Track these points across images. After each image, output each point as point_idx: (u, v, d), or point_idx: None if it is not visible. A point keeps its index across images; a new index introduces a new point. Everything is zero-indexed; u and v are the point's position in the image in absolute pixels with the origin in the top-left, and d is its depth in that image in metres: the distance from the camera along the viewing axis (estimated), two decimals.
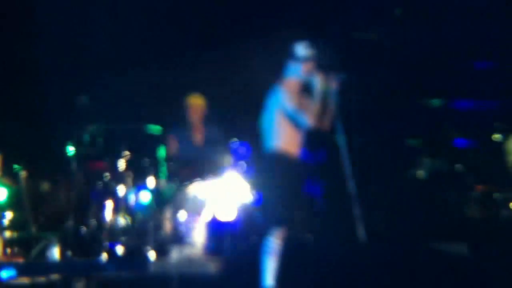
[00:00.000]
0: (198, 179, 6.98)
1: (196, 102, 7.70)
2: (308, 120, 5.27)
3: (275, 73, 5.64)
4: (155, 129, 7.43)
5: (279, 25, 8.52)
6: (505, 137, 7.32)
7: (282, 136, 5.34)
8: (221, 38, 8.85)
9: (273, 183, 5.37)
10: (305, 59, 5.43)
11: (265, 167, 5.49)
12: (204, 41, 8.97)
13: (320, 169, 7.88)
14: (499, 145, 7.28)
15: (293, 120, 5.32)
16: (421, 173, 8.28)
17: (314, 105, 5.31)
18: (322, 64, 5.43)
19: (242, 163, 7.22)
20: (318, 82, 5.36)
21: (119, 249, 6.48)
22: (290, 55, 5.50)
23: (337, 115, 5.44)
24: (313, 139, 5.57)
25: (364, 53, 8.40)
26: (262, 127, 5.48)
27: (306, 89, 5.46)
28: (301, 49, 5.45)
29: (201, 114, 7.70)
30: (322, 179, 7.77)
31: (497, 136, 7.34)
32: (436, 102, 8.60)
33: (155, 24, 8.78)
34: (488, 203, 7.01)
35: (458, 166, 7.78)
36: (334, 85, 5.38)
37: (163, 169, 7.20)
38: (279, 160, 5.36)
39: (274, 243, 5.22)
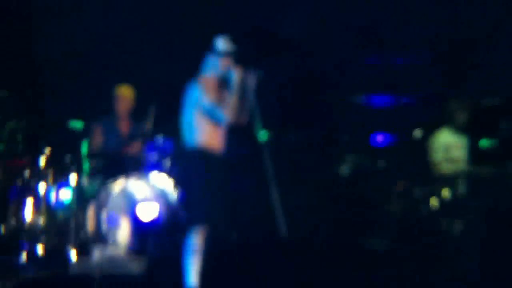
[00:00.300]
0: (123, 175, 6.86)
1: (125, 93, 7.56)
2: (226, 115, 5.27)
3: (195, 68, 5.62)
4: (77, 124, 7.29)
5: (198, 21, 8.50)
6: (425, 133, 7.46)
7: (202, 132, 5.32)
8: (149, 31, 8.77)
9: (195, 180, 5.34)
10: (223, 54, 5.42)
11: (187, 163, 5.46)
12: (133, 31, 8.88)
13: (242, 165, 7.90)
14: (419, 141, 7.44)
15: (211, 116, 5.30)
16: (343, 169, 8.41)
17: (231, 100, 5.30)
18: (240, 58, 5.43)
19: (167, 160, 7.16)
20: (236, 76, 5.35)
21: (39, 249, 6.33)
22: (208, 49, 5.48)
23: (255, 110, 5.45)
24: (234, 135, 5.57)
25: (279, 48, 8.45)
26: (182, 124, 5.45)
27: (223, 84, 5.45)
28: (220, 44, 5.43)
29: (129, 106, 7.57)
30: (244, 176, 7.79)
31: (417, 132, 7.49)
32: (357, 98, 8.72)
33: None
34: (409, 199, 7.16)
35: (380, 162, 7.92)
36: (252, 80, 5.38)
37: (86, 166, 7.08)
38: (201, 156, 5.34)
39: (196, 241, 5.20)
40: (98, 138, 7.41)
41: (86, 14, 8.50)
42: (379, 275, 5.81)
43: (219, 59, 5.42)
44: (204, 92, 5.32)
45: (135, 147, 7.31)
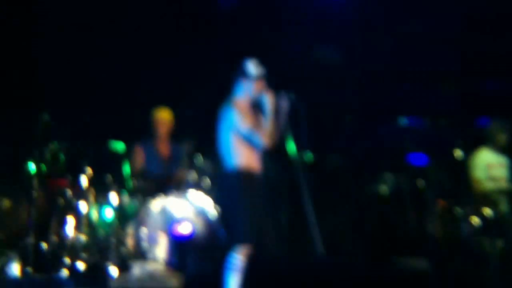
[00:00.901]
0: (163, 194, 6.94)
1: (163, 116, 7.69)
2: (263, 140, 5.30)
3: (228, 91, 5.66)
4: (118, 146, 7.40)
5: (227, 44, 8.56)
6: (465, 153, 7.43)
7: (241, 155, 5.35)
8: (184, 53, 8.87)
9: (237, 201, 5.37)
10: (256, 78, 5.45)
11: (228, 184, 5.49)
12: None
13: (279, 187, 7.93)
14: (459, 161, 7.39)
15: (249, 141, 5.33)
16: (383, 188, 8.36)
17: (266, 124, 5.34)
18: (272, 82, 5.47)
19: (205, 179, 7.21)
20: (269, 100, 5.38)
21: (80, 266, 6.41)
22: (239, 73, 5.51)
23: (288, 133, 5.48)
24: (268, 158, 5.60)
25: (318, 73, 8.48)
26: (220, 146, 5.49)
27: (256, 107, 5.48)
28: (251, 67, 5.47)
29: (168, 128, 7.68)
30: (282, 197, 7.82)
31: (457, 152, 7.44)
32: (399, 119, 8.70)
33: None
34: (449, 218, 7.09)
35: (419, 182, 7.86)
36: (284, 103, 5.42)
37: (127, 185, 7.18)
38: (242, 178, 5.38)
39: (238, 260, 5.22)
40: (139, 159, 7.53)
41: (124, 38, 8.64)
42: None
43: (251, 83, 5.46)
44: (240, 116, 5.35)
45: (180, 174, 7.40)
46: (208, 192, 7.11)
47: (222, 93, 7.30)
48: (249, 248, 5.26)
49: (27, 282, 5.99)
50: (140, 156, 7.54)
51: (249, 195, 5.36)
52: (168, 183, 7.25)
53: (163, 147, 7.67)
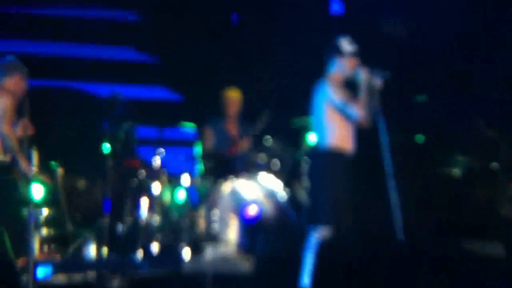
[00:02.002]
0: (233, 176, 6.99)
1: (233, 96, 7.73)
2: (358, 112, 5.30)
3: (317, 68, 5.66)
4: (189, 126, 7.48)
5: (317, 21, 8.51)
6: None
7: (334, 129, 5.37)
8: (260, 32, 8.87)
9: (325, 182, 5.40)
10: (350, 55, 5.46)
11: (318, 164, 5.53)
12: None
13: (365, 167, 7.90)
14: None
15: (343, 112, 5.34)
16: (455, 171, 8.22)
17: (361, 98, 5.33)
18: (367, 59, 5.46)
19: (276, 161, 7.23)
20: (363, 76, 5.38)
21: (154, 247, 6.54)
22: (334, 50, 5.52)
23: (380, 112, 5.45)
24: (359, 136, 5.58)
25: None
26: (313, 122, 5.51)
27: (351, 84, 5.49)
28: (346, 45, 5.47)
29: (237, 108, 7.73)
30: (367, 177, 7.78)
31: None
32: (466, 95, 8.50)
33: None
34: None
35: (492, 164, 7.70)
36: (377, 80, 5.38)
37: (198, 166, 7.26)
38: (332, 158, 5.41)
39: (317, 240, 5.24)
40: (209, 140, 7.59)
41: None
42: (493, 283, 5.65)
43: (346, 60, 5.47)
44: (334, 89, 5.38)
45: (242, 146, 7.44)
46: (277, 174, 7.14)
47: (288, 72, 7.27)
48: (329, 229, 5.28)
49: (103, 263, 6.12)
50: (210, 137, 7.60)
51: (337, 177, 5.38)
52: (238, 163, 7.30)
53: (232, 127, 7.71)
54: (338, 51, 5.49)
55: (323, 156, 5.46)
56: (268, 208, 6.80)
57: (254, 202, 6.80)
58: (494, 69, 8.50)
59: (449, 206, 7.71)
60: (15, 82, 5.72)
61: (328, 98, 5.37)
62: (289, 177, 7.24)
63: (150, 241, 6.55)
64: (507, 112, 8.20)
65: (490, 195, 7.63)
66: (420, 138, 8.53)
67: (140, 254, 6.41)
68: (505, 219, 7.14)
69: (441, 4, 8.30)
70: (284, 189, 6.95)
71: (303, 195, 6.95)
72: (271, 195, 6.86)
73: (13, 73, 5.73)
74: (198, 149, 7.33)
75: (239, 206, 6.78)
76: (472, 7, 8.30)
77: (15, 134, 5.59)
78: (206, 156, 7.37)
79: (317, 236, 5.25)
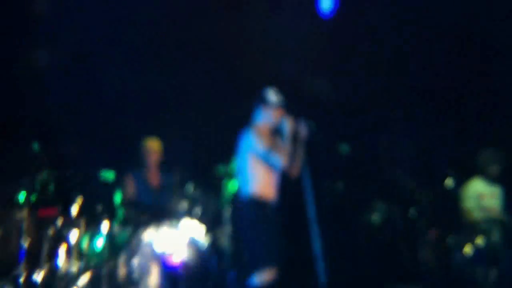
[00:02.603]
0: (154, 224, 6.89)
1: (153, 146, 7.69)
2: (281, 160, 5.36)
3: (244, 117, 5.73)
4: (108, 175, 7.36)
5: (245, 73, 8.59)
6: (457, 183, 7.46)
7: (257, 177, 5.41)
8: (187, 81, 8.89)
9: (253, 227, 5.45)
10: (275, 105, 5.57)
11: (244, 211, 5.55)
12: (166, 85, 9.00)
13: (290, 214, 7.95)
14: (451, 190, 7.42)
15: (266, 161, 5.39)
16: (375, 217, 8.36)
17: (285, 147, 5.41)
18: (291, 110, 5.57)
19: (198, 208, 7.18)
20: (288, 126, 5.48)
21: None
22: (260, 100, 5.62)
23: (304, 160, 5.54)
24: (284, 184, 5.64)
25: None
26: (237, 170, 5.56)
27: (276, 133, 5.59)
28: (271, 95, 5.59)
29: (157, 157, 7.68)
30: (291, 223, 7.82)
31: (449, 182, 7.46)
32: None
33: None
34: (441, 247, 7.10)
35: (411, 211, 7.87)
36: (303, 130, 5.50)
37: (118, 214, 7.13)
38: (256, 204, 5.45)
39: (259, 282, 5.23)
40: (130, 188, 7.49)
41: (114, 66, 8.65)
42: None
43: (271, 110, 5.57)
44: (258, 138, 5.44)
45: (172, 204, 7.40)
46: (200, 220, 7.08)
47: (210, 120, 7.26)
48: (269, 271, 5.31)
49: None
50: (131, 185, 7.50)
51: (260, 224, 5.44)
52: (160, 214, 7.21)
53: (153, 177, 7.65)
54: (264, 102, 5.59)
55: (246, 204, 5.48)
56: (190, 256, 6.70)
57: (176, 250, 6.69)
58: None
59: (370, 251, 7.80)
60: None
61: (252, 147, 5.43)
62: (211, 223, 7.19)
63: None
64: (424, 163, 8.45)
65: (410, 241, 7.77)
66: (340, 185, 8.66)
67: None
68: (425, 264, 7.26)
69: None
70: (206, 236, 6.88)
71: (224, 242, 6.91)
72: (193, 242, 6.77)
73: None
74: (117, 197, 7.21)
75: (160, 254, 6.66)
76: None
77: None
78: (127, 204, 7.26)
79: (257, 281, 5.24)
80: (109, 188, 7.55)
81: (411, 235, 7.73)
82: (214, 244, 6.95)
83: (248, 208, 5.49)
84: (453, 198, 7.34)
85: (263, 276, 5.27)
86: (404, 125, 8.88)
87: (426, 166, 8.50)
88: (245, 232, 5.53)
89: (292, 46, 8.56)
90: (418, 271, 7.14)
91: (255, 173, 5.43)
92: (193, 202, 7.22)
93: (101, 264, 6.59)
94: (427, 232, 7.47)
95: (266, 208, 5.48)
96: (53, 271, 6.50)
